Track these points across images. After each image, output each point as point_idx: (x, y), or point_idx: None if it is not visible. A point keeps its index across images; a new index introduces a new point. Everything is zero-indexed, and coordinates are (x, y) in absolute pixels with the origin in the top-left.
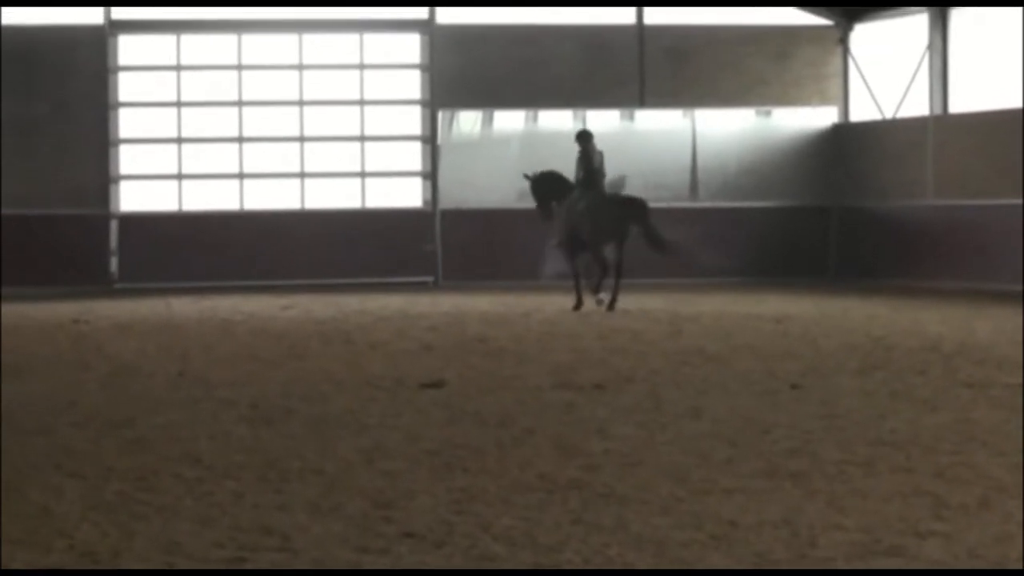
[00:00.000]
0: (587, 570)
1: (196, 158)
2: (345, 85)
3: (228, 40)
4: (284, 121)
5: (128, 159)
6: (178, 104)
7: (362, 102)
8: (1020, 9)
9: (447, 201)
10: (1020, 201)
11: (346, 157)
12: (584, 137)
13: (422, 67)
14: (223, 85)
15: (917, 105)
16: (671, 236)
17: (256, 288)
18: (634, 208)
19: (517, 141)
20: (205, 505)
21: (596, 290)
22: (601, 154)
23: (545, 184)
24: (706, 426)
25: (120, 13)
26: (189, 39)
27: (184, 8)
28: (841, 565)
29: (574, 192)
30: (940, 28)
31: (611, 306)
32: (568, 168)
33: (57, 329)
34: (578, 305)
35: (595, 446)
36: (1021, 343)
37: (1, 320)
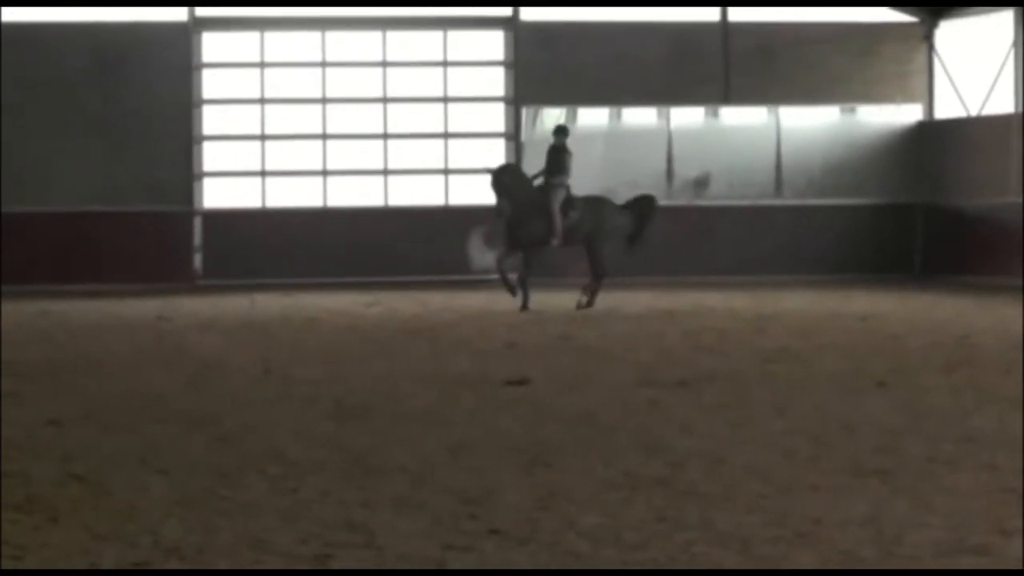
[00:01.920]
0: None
1: (279, 155)
2: (429, 82)
3: (312, 37)
4: (367, 118)
5: (212, 156)
6: (262, 101)
7: (446, 99)
8: None
9: None
10: None
11: (430, 154)
12: (558, 132)
13: (506, 64)
14: (307, 82)
15: (1002, 102)
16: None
17: (340, 285)
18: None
19: (601, 138)
20: (289, 501)
21: (584, 290)
22: (570, 154)
23: (505, 177)
24: (791, 424)
25: (204, 10)
26: (272, 36)
27: (267, 5)
28: (927, 564)
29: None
30: None
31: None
32: (652, 165)
33: (142, 326)
34: (523, 305)
35: (679, 444)
36: None
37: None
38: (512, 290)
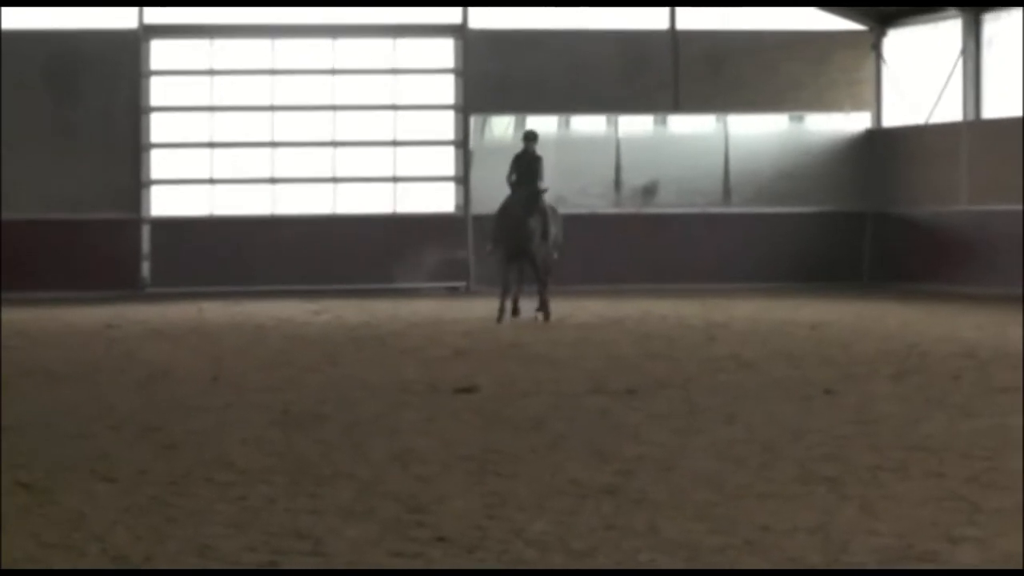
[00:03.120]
0: (613, 570)
1: (228, 162)
2: (378, 90)
3: (261, 45)
4: (317, 126)
5: (160, 163)
6: (211, 108)
7: (395, 107)
8: None
9: (479, 206)
10: None
11: (379, 162)
12: (526, 138)
13: (455, 72)
14: (256, 89)
15: (951, 110)
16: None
17: (288, 293)
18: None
19: (550, 146)
20: (238, 509)
21: (515, 304)
22: (539, 159)
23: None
24: (740, 432)
25: (154, 18)
26: (222, 44)
27: (217, 13)
28: (874, 570)
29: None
30: (973, 33)
31: (514, 310)
32: (601, 173)
33: (90, 334)
34: (499, 316)
35: (628, 451)
36: None
37: (34, 325)
38: (504, 309)
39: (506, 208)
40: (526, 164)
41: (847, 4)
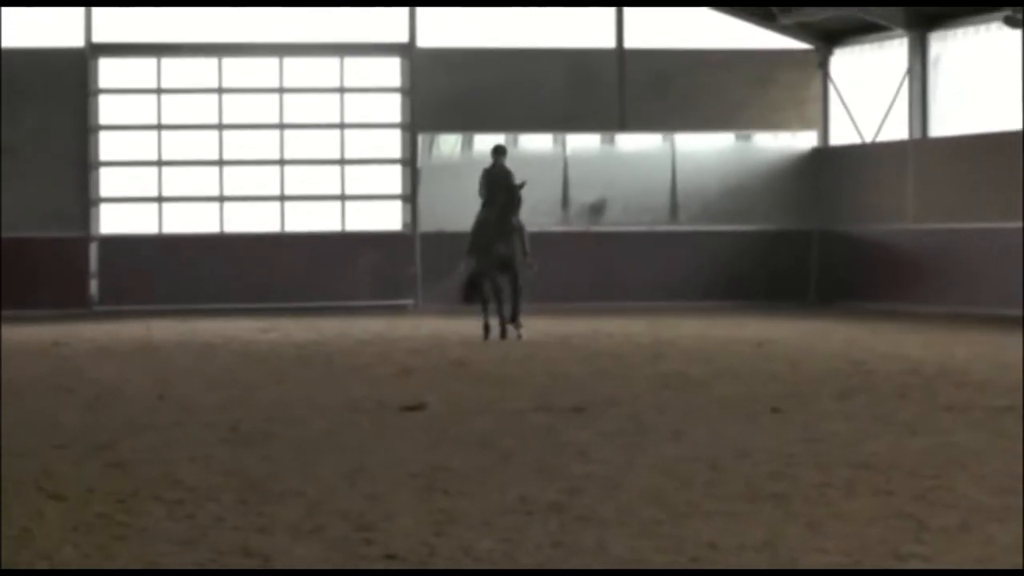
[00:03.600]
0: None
1: (176, 181)
2: (325, 108)
3: (209, 64)
4: (264, 144)
5: (108, 182)
6: (158, 127)
7: (342, 125)
8: (996, 32)
9: (427, 224)
10: (999, 225)
11: (326, 180)
12: (496, 152)
13: (402, 90)
14: (203, 108)
15: (897, 129)
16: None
17: (236, 311)
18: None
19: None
20: (186, 527)
21: (503, 322)
22: (510, 173)
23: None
24: (687, 449)
25: (101, 36)
26: (170, 62)
27: (165, 32)
28: None
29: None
30: (919, 53)
31: (502, 333)
32: (548, 191)
33: (39, 352)
34: (485, 332)
35: (576, 469)
36: (1002, 366)
37: None
38: (487, 322)
39: (484, 223)
40: (496, 179)
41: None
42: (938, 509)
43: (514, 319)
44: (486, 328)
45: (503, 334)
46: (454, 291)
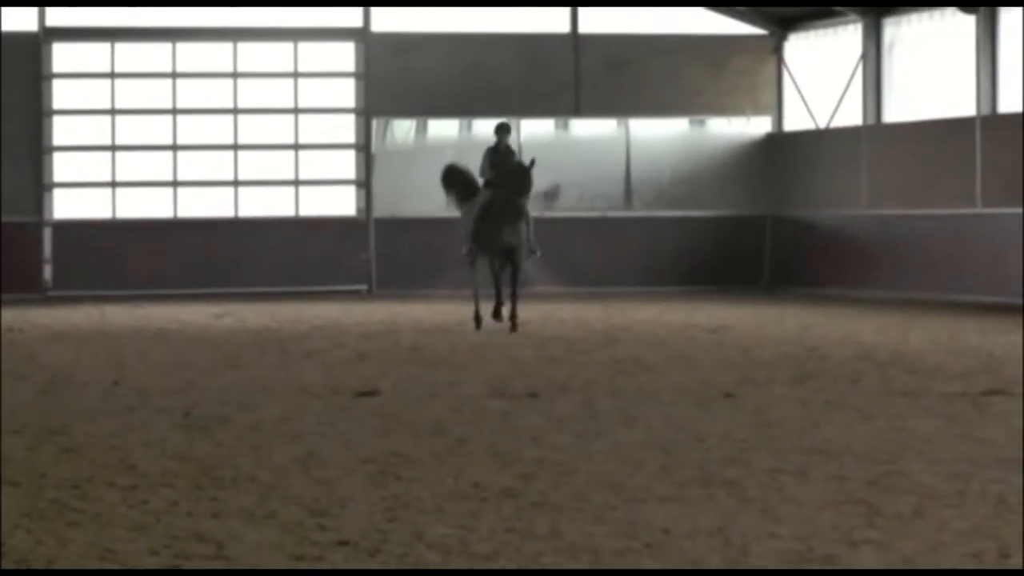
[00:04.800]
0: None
1: (130, 166)
2: (279, 93)
3: (162, 48)
4: (218, 129)
5: (62, 167)
6: (112, 112)
7: (296, 110)
8: (950, 18)
9: (381, 210)
10: (952, 211)
11: (280, 165)
12: (500, 130)
13: (356, 75)
14: (157, 93)
15: (851, 115)
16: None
17: (190, 296)
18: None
19: (451, 150)
20: (139, 512)
21: (496, 314)
22: (514, 152)
23: (455, 180)
24: (640, 435)
25: (54, 20)
26: (123, 47)
27: (118, 16)
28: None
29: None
30: (873, 38)
31: (512, 324)
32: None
33: None
34: (478, 323)
35: (529, 455)
36: (955, 352)
37: None
38: (478, 310)
39: (488, 207)
40: (502, 158)
41: (748, 4)
42: (891, 494)
43: (512, 316)
44: (478, 318)
45: (504, 317)
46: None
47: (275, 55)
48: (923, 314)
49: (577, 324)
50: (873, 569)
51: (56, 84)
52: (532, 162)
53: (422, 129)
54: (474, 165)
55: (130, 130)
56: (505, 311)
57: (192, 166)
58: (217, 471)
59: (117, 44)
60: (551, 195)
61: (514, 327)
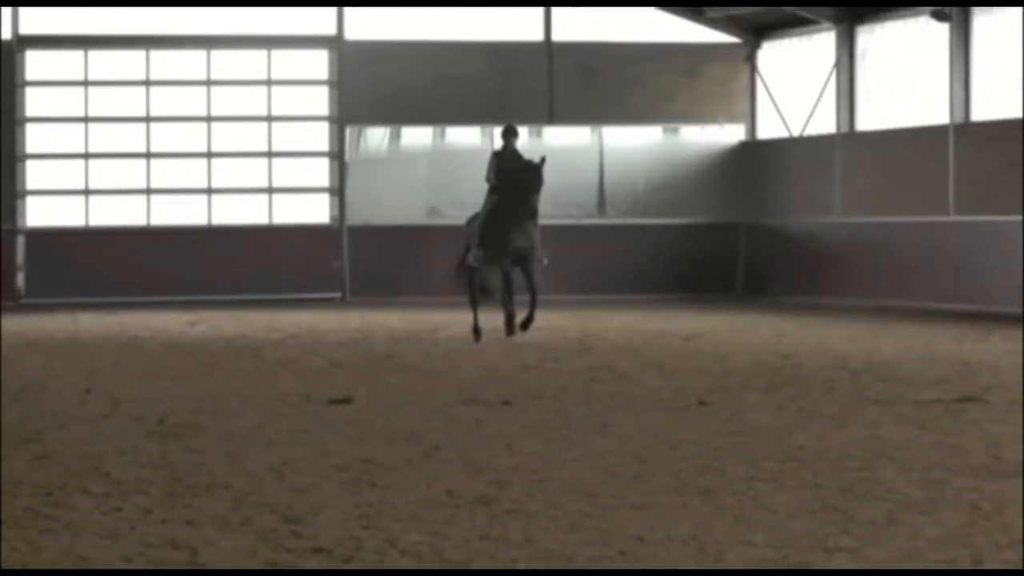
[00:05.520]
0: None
1: (104, 173)
2: (253, 101)
3: (136, 56)
4: (192, 137)
5: (35, 174)
6: (86, 119)
7: (270, 118)
8: (924, 26)
9: (355, 217)
10: (926, 218)
11: (254, 173)
12: (507, 133)
13: (330, 83)
14: (130, 101)
15: (824, 123)
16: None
17: (163, 304)
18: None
19: (425, 157)
20: (113, 520)
21: (510, 327)
22: (521, 157)
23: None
24: (614, 442)
25: (28, 28)
26: (97, 55)
27: (92, 24)
28: None
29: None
30: (847, 46)
31: (524, 324)
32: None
33: None
34: (476, 334)
35: (503, 462)
36: (929, 360)
37: None
38: (476, 322)
39: (495, 212)
40: (509, 163)
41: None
42: (865, 502)
43: (528, 322)
44: (477, 331)
45: (513, 329)
46: (452, 279)
47: (248, 63)
48: (897, 322)
49: (551, 331)
50: (859, 569)
51: (29, 92)
52: (543, 160)
53: (395, 137)
54: (446, 174)
55: (103, 138)
56: (518, 317)
57: (165, 174)
58: (191, 478)
59: (90, 52)
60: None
61: (525, 326)
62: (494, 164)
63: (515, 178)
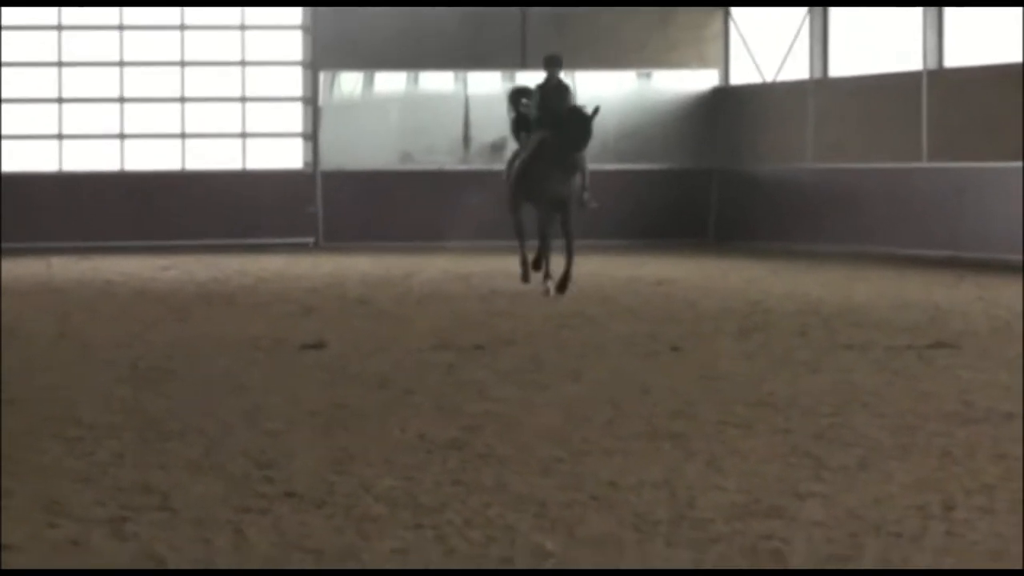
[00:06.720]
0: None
1: (76, 118)
2: (226, 46)
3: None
4: (165, 81)
5: (7, 119)
6: (59, 64)
7: (243, 63)
8: None
9: (328, 163)
10: (898, 165)
11: (227, 118)
12: (549, 63)
13: (303, 28)
14: (104, 45)
15: (797, 69)
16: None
17: (136, 249)
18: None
19: (398, 103)
20: (85, 465)
21: (536, 266)
22: (568, 89)
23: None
24: (586, 388)
25: None
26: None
27: None
28: (720, 526)
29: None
30: None
31: (560, 286)
32: (449, 130)
33: None
34: (525, 276)
35: (475, 407)
36: (901, 306)
37: None
38: (528, 264)
39: (537, 155)
40: (553, 96)
41: None
42: (836, 447)
43: (565, 281)
44: (525, 264)
45: (553, 287)
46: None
47: (221, 9)
48: (869, 268)
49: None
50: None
51: (2, 36)
52: (596, 110)
53: (369, 82)
54: (419, 120)
55: (76, 82)
56: (553, 271)
57: (139, 119)
58: (163, 424)
59: None
60: (497, 147)
61: (563, 287)
62: (537, 98)
63: (562, 121)
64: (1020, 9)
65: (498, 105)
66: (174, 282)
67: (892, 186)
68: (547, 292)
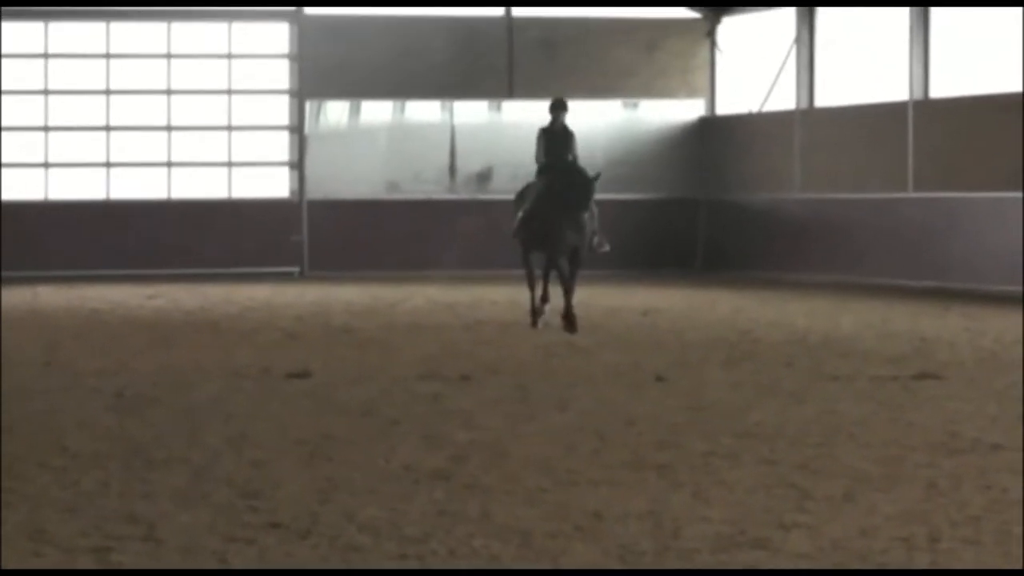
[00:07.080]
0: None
1: (63, 146)
2: (213, 74)
3: (96, 28)
4: (152, 110)
5: None
6: (46, 92)
7: (230, 91)
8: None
9: (314, 191)
10: (884, 195)
11: (213, 146)
12: (555, 107)
13: (290, 57)
14: (91, 73)
15: (784, 99)
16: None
17: (123, 277)
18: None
19: (385, 132)
20: (71, 494)
21: (543, 295)
22: (573, 136)
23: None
24: (572, 418)
25: None
26: (57, 26)
27: None
28: (706, 557)
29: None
30: (807, 22)
31: (571, 326)
32: (435, 159)
33: None
34: (534, 323)
35: (461, 437)
36: (887, 336)
37: None
38: (534, 305)
39: (544, 206)
40: (559, 142)
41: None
42: (822, 478)
43: (570, 319)
44: (535, 312)
45: (561, 322)
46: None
47: (209, 36)
48: (855, 298)
49: (509, 305)
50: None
51: None
52: (597, 176)
53: (355, 111)
54: (406, 149)
55: (63, 110)
56: (548, 308)
57: (125, 147)
58: (149, 452)
59: (51, 23)
60: (484, 177)
61: (573, 325)
62: (542, 142)
63: (566, 177)
64: (1006, 38)
65: (485, 134)
66: (160, 310)
67: (878, 216)
68: (542, 312)
